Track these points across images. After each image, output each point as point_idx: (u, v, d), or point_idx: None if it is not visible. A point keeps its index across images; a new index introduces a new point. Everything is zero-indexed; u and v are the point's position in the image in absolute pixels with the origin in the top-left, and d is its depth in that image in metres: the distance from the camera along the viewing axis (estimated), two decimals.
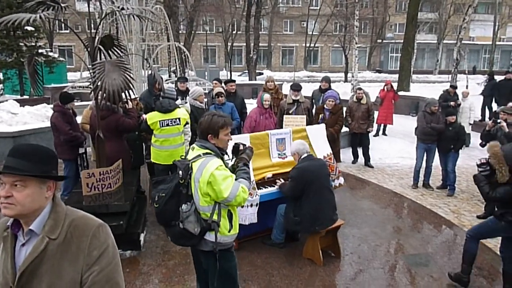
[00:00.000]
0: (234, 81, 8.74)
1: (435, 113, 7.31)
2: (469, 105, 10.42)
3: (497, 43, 40.75)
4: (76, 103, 9.03)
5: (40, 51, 17.65)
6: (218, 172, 2.85)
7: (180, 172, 2.92)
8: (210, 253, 3.02)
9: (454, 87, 11.02)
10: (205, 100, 8.55)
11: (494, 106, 12.27)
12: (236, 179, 2.98)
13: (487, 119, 12.58)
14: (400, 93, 16.96)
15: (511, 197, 3.86)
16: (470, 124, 10.41)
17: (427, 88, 24.98)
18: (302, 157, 4.80)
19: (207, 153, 2.95)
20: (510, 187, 3.84)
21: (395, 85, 14.53)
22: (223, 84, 8.56)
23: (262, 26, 35.47)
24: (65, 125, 6.02)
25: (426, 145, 7.36)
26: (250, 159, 3.16)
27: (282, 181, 4.98)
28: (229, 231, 3.01)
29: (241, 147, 3.21)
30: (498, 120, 5.85)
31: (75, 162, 6.30)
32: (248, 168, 3.11)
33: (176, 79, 10.15)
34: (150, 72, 6.73)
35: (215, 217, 2.93)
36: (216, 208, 2.94)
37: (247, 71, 26.79)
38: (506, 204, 3.94)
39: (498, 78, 13.28)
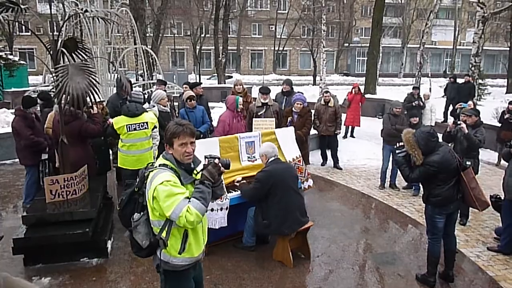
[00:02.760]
0: (201, 83, 8.77)
1: (398, 115, 7.52)
2: (430, 107, 10.75)
3: (458, 47, 42.45)
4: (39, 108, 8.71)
5: None
6: (162, 188, 2.55)
7: (137, 180, 2.80)
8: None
9: (416, 88, 11.34)
10: (176, 104, 8.47)
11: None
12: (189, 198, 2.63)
13: (449, 120, 13.04)
14: (367, 95, 17.33)
15: (425, 177, 4.30)
16: (431, 125, 10.75)
17: (393, 91, 25.70)
18: (269, 160, 4.83)
19: (163, 165, 2.70)
20: (423, 168, 4.25)
21: (362, 88, 14.87)
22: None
23: (230, 30, 35.47)
24: (26, 130, 5.81)
25: (391, 146, 7.53)
26: (213, 177, 2.69)
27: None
28: (179, 253, 2.71)
29: (206, 161, 2.78)
30: (458, 122, 6.07)
31: (37, 168, 6.09)
32: (207, 186, 2.64)
33: (155, 81, 10.02)
34: (117, 75, 6.58)
35: (163, 234, 2.67)
36: (166, 226, 2.66)
37: (216, 74, 26.71)
38: (427, 185, 4.38)
39: (459, 80, 13.81)
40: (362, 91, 14.26)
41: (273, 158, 4.84)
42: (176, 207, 2.54)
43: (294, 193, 4.82)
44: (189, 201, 2.58)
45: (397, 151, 4.51)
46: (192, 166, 2.80)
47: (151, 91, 10.44)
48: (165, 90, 7.77)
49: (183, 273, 2.82)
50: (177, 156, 2.71)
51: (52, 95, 6.65)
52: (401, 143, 4.46)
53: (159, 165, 2.71)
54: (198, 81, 20.79)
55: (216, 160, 2.73)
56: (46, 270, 4.54)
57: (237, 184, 5.03)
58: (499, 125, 9.86)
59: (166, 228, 2.67)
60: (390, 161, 7.68)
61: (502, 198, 5.43)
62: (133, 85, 7.91)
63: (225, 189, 2.96)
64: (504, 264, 5.05)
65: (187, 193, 2.64)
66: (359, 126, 12.17)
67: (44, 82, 14.46)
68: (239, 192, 4.93)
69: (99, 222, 5.13)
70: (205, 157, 2.81)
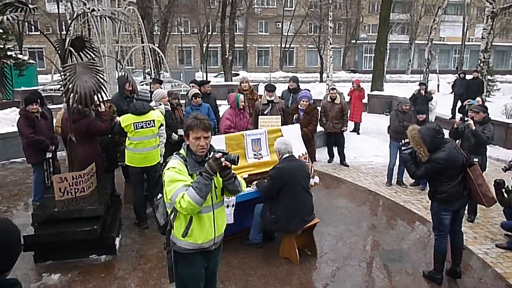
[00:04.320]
0: (209, 82, 8.77)
1: (406, 112, 7.48)
2: (434, 103, 10.79)
3: (466, 43, 42.01)
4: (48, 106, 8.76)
5: (9, 53, 17.09)
6: (168, 173, 2.79)
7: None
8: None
9: (423, 84, 11.27)
10: (183, 101, 8.51)
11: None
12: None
13: (457, 116, 12.94)
14: (374, 92, 17.33)
15: (431, 174, 4.27)
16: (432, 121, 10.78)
17: (400, 88, 25.54)
18: (283, 157, 4.84)
19: (178, 153, 2.95)
20: (429, 165, 4.22)
21: (367, 85, 14.78)
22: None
23: (237, 27, 35.48)
24: (26, 129, 5.89)
25: (398, 143, 7.50)
26: (213, 170, 2.72)
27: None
28: (182, 236, 2.86)
29: (211, 155, 2.82)
30: (466, 118, 6.02)
31: (42, 167, 6.16)
32: (205, 178, 2.69)
33: (151, 80, 10.06)
34: (121, 74, 6.62)
35: (172, 216, 2.90)
36: (174, 209, 2.85)
37: (223, 72, 26.75)
38: (433, 182, 4.35)
39: (468, 77, 13.69)
40: (365, 87, 14.18)
41: (287, 155, 4.84)
42: (174, 192, 2.72)
43: (304, 191, 4.83)
44: (187, 189, 2.71)
45: (402, 148, 4.50)
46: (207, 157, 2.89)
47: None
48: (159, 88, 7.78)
49: (187, 257, 2.94)
50: (192, 147, 2.87)
51: (42, 95, 6.77)
52: (406, 140, 4.44)
53: (175, 153, 2.96)
54: (205, 79, 20.87)
55: (218, 155, 2.75)
56: (56, 266, 4.60)
57: (249, 181, 5.03)
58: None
59: (174, 211, 2.86)
60: (397, 158, 7.65)
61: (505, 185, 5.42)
62: (141, 83, 7.95)
63: (240, 186, 2.98)
64: None
65: (189, 181, 2.77)
66: (360, 121, 12.15)
67: (52, 81, 14.57)
68: (246, 189, 4.95)
69: (107, 219, 5.18)
70: (213, 151, 2.88)
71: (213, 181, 2.83)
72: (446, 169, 4.18)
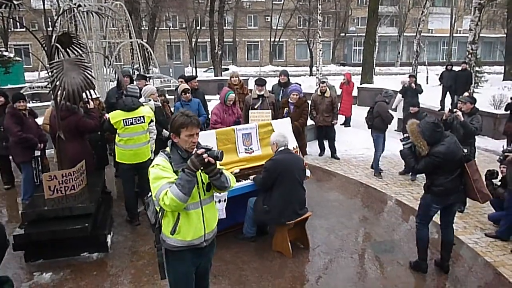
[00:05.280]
0: (196, 77, 8.72)
1: (389, 102, 7.88)
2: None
3: (454, 35, 42.20)
4: (35, 104, 8.72)
5: None
6: (152, 170, 2.79)
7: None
8: None
9: (412, 76, 11.36)
10: (172, 97, 8.45)
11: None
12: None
13: (446, 108, 13.05)
14: (364, 85, 17.38)
15: (431, 168, 4.26)
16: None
17: (390, 80, 25.62)
18: (279, 149, 4.85)
19: (163, 150, 2.93)
20: (428, 159, 4.22)
21: (357, 78, 14.78)
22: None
23: (226, 21, 35.31)
24: (14, 126, 5.82)
25: (382, 134, 7.88)
26: (195, 166, 2.67)
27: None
28: (171, 233, 2.84)
29: (194, 150, 2.79)
30: (454, 110, 6.08)
31: (31, 165, 6.09)
32: (187, 175, 2.65)
33: (152, 75, 9.98)
34: (117, 69, 6.54)
35: (160, 214, 2.90)
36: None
37: (212, 67, 26.59)
38: (430, 175, 4.35)
39: (456, 68, 13.79)
40: (355, 80, 14.23)
41: (283, 148, 4.87)
42: (159, 189, 2.70)
43: (298, 185, 4.86)
44: (171, 186, 2.68)
45: (402, 143, 4.48)
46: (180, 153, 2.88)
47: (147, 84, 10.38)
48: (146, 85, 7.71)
49: (176, 254, 2.91)
50: (184, 145, 2.84)
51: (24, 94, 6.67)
52: (406, 134, 4.44)
53: (161, 150, 2.94)
54: (193, 74, 20.75)
55: (200, 151, 2.70)
56: (47, 265, 4.57)
57: (241, 176, 5.04)
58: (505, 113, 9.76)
59: (162, 209, 2.85)
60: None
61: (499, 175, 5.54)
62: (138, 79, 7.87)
63: (228, 182, 2.93)
64: (502, 250, 5.10)
65: (173, 178, 2.74)
66: (349, 115, 12.21)
67: (39, 79, 14.37)
68: (237, 183, 4.95)
69: (98, 216, 5.16)
70: (197, 147, 2.83)
71: (200, 176, 2.84)
72: (445, 163, 4.17)
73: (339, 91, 12.29)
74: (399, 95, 11.25)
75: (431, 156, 4.19)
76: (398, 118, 11.03)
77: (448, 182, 4.22)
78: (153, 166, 2.80)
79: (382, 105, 7.77)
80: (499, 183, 5.80)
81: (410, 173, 7.66)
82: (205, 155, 2.69)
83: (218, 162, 2.79)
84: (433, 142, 4.20)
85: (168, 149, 2.91)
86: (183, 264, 2.96)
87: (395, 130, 11.06)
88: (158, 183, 2.72)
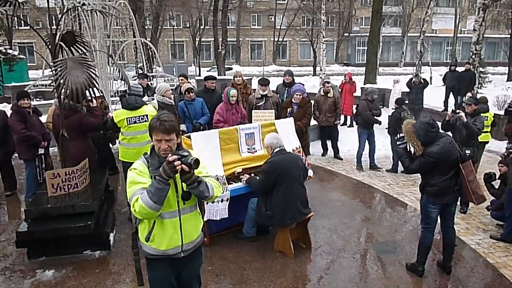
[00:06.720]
0: (215, 78, 8.41)
1: (374, 100, 8.10)
2: (399, 91, 11.61)
3: (458, 35, 42.06)
4: (39, 102, 8.75)
5: None
6: (129, 174, 2.67)
7: None
8: None
9: (417, 75, 11.52)
10: (173, 96, 8.46)
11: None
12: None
13: (449, 109, 13.04)
14: (367, 85, 17.32)
15: (425, 168, 4.25)
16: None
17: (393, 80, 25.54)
18: (275, 150, 4.84)
19: (146, 153, 2.77)
20: (423, 159, 4.21)
21: (361, 78, 14.77)
22: (206, 81, 8.28)
23: (230, 21, 35.30)
24: (17, 124, 5.85)
25: (367, 131, 8.21)
26: (166, 174, 2.47)
27: (246, 176, 5.02)
28: (146, 240, 2.72)
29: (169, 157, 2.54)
30: (457, 111, 6.07)
31: (34, 163, 6.12)
32: (158, 182, 2.46)
33: (155, 74, 9.98)
34: (117, 69, 6.57)
35: (137, 218, 2.74)
36: None
37: (215, 66, 26.62)
38: (425, 175, 4.34)
39: (460, 69, 13.75)
40: (359, 80, 14.26)
41: (278, 149, 4.84)
42: (132, 195, 2.59)
43: (298, 184, 4.83)
44: (142, 192, 2.55)
45: (397, 142, 4.49)
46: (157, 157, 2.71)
47: (150, 83, 10.39)
48: (147, 84, 7.70)
49: (152, 262, 2.82)
50: (156, 149, 2.69)
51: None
52: (401, 134, 4.44)
53: (143, 153, 2.80)
54: (198, 73, 20.73)
55: (171, 158, 2.48)
56: (50, 262, 4.59)
57: (241, 176, 5.05)
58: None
59: None
60: (366, 145, 8.29)
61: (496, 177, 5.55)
62: (133, 78, 7.89)
63: (209, 191, 2.71)
64: (505, 251, 5.08)
65: (148, 184, 2.58)
66: (351, 114, 12.22)
67: (43, 77, 14.41)
68: (239, 183, 4.96)
69: (101, 214, 5.17)
70: (174, 153, 2.59)
71: (179, 184, 2.67)
72: (439, 163, 4.16)
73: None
74: (397, 88, 11.50)
75: (425, 156, 4.19)
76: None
77: (442, 182, 4.21)
78: (130, 170, 2.68)
79: (362, 104, 8.12)
80: (498, 185, 5.81)
81: (402, 171, 7.76)
82: (176, 163, 2.47)
83: (194, 170, 2.58)
84: (428, 142, 4.19)
85: (148, 151, 2.76)
86: (158, 273, 2.85)
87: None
88: (132, 188, 2.60)
